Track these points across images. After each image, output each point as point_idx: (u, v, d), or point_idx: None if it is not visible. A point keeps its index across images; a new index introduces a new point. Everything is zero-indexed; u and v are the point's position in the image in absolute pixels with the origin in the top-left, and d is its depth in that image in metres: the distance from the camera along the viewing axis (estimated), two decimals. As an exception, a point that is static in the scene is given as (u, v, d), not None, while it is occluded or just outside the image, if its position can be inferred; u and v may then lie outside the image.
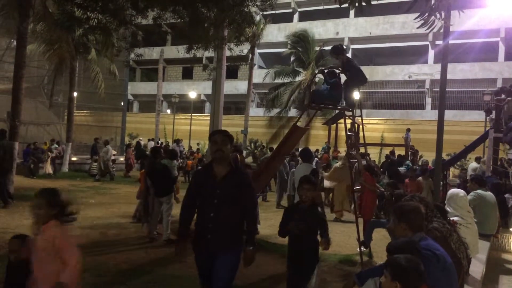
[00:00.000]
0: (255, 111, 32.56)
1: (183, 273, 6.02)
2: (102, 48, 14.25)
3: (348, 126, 7.66)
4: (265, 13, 24.53)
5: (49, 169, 17.30)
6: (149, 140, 26.91)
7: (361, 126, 8.63)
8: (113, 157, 19.47)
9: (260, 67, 34.95)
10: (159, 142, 26.20)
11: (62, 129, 23.98)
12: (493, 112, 12.38)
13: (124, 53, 14.01)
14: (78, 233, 7.80)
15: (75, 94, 20.83)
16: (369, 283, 3.20)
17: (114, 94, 25.73)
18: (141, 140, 25.56)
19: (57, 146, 19.19)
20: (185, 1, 9.37)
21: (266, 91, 30.80)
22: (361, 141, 9.01)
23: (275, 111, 29.60)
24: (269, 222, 9.47)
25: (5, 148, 9.81)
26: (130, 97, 38.45)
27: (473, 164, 14.79)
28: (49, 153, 17.66)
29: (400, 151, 18.07)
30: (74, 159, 19.80)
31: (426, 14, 4.73)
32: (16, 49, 12.27)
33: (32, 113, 22.30)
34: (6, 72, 22.74)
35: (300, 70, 28.50)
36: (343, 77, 7.30)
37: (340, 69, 7.19)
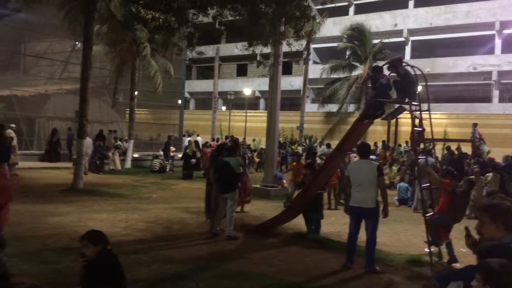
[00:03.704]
0: (310, 107, 32.21)
1: (247, 269, 6.05)
2: (162, 47, 14.62)
3: (416, 121, 7.35)
4: (320, 7, 24.23)
5: (118, 165, 17.98)
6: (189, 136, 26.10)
7: (427, 121, 8.23)
8: (171, 153, 19.94)
9: (315, 62, 34.52)
10: (216, 139, 26.48)
11: (124, 127, 24.96)
12: None
13: (183, 51, 14.26)
14: (144, 227, 8.08)
15: (135, 93, 21.54)
16: (452, 286, 3.03)
17: (171, 92, 26.38)
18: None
19: (120, 143, 19.96)
20: (243, -3, 9.39)
21: (321, 86, 30.36)
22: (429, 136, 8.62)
23: (330, 106, 29.10)
24: (330, 219, 9.32)
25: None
26: (187, 95, 39.35)
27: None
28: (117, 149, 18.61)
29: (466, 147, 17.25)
30: (135, 155, 20.51)
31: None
32: (83, 50, 12.86)
33: (97, 112, 23.32)
34: (71, 73, 24.00)
35: (357, 64, 27.84)
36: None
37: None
